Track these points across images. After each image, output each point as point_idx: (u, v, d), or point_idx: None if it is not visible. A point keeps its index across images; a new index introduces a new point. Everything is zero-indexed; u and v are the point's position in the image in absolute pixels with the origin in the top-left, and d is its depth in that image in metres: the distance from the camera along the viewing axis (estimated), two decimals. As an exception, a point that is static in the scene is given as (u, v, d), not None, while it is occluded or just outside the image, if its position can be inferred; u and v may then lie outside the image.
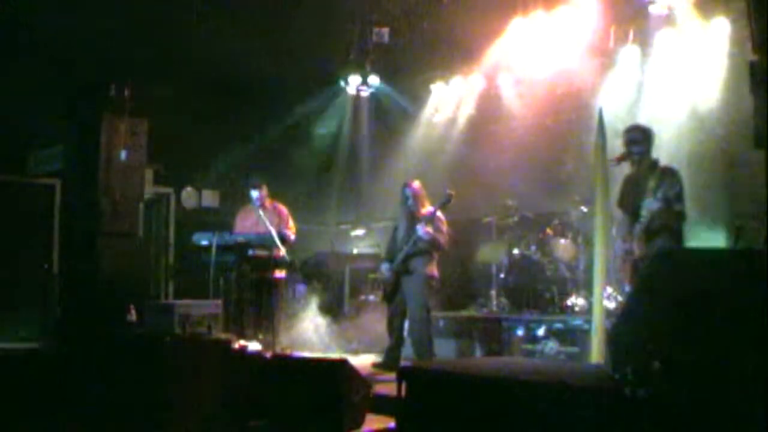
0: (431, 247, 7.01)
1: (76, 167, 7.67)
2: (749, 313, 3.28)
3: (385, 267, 7.25)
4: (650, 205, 5.68)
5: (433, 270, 7.10)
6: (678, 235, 5.81)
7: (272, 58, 9.55)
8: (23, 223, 9.51)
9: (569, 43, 8.52)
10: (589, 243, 7.79)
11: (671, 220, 5.73)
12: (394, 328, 7.19)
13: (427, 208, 7.11)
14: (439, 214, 7.02)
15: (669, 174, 5.82)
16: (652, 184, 5.74)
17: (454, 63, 9.95)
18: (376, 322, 8.03)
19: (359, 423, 5.20)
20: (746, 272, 3.46)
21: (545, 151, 8.89)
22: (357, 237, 10.56)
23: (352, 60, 9.83)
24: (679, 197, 5.76)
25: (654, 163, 5.93)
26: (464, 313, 8.73)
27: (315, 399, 5.28)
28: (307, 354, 7.54)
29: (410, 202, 7.13)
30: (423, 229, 6.88)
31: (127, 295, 7.04)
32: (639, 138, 5.97)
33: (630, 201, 5.97)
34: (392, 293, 7.19)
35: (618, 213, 6.19)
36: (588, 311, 7.23)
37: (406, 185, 7.22)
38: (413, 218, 7.08)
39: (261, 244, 7.84)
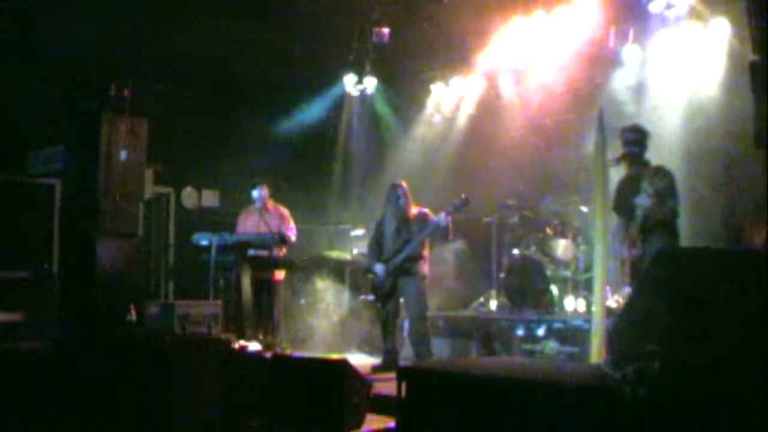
0: (445, 234, 7.00)
1: (76, 167, 7.64)
2: (749, 313, 3.28)
3: (379, 268, 7.15)
4: (642, 201, 5.73)
5: (427, 270, 7.16)
6: (673, 231, 5.84)
7: (272, 57, 9.56)
8: (23, 223, 9.50)
9: (569, 42, 8.53)
10: (589, 243, 7.79)
11: (665, 217, 5.76)
12: (390, 329, 7.17)
13: (427, 210, 7.14)
14: (426, 210, 7.10)
15: (660, 172, 5.86)
16: (645, 184, 5.78)
17: (454, 63, 9.95)
18: (376, 321, 8.03)
19: (359, 423, 5.20)
20: (746, 272, 3.46)
21: (545, 151, 8.89)
22: (357, 237, 10.54)
23: (352, 60, 9.83)
24: (672, 193, 5.79)
25: (646, 164, 5.96)
26: (464, 313, 8.73)
27: (315, 399, 5.28)
28: (307, 354, 7.53)
29: (401, 201, 7.12)
30: (445, 217, 6.84)
31: (127, 295, 7.03)
32: (634, 138, 5.98)
33: (625, 202, 5.99)
34: (388, 295, 7.13)
35: (615, 215, 6.20)
36: (588, 311, 7.22)
37: (397, 185, 7.22)
38: (403, 218, 7.11)
39: (261, 244, 7.85)
